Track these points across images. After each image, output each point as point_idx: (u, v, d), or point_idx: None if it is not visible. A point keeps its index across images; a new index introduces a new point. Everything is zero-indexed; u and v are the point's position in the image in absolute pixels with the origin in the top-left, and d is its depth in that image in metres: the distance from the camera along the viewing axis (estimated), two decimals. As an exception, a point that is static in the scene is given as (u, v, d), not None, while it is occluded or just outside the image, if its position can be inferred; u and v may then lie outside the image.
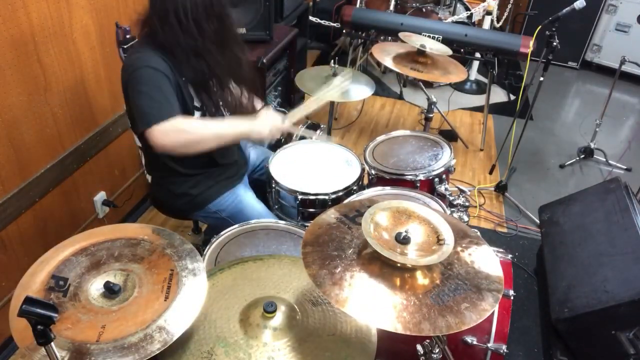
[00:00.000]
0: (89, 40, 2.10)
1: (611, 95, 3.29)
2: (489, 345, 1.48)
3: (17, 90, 1.79)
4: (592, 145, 3.48)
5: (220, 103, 1.72)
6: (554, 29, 2.61)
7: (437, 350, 1.23)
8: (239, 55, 1.71)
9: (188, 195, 1.81)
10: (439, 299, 1.05)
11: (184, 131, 1.55)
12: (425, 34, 3.10)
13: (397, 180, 2.06)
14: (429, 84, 4.25)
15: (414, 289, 1.07)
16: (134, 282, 1.18)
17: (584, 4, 2.56)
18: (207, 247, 1.63)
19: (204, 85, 1.66)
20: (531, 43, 3.13)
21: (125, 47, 2.29)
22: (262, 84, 2.68)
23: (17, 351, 2.00)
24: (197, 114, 1.69)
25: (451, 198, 1.97)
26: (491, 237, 2.77)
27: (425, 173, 2.06)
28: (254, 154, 2.11)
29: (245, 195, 1.89)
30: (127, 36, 2.30)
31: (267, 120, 1.71)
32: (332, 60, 2.51)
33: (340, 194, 1.87)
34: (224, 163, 1.84)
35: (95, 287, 1.16)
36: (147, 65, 1.54)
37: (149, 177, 1.86)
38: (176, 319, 1.08)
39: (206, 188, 1.82)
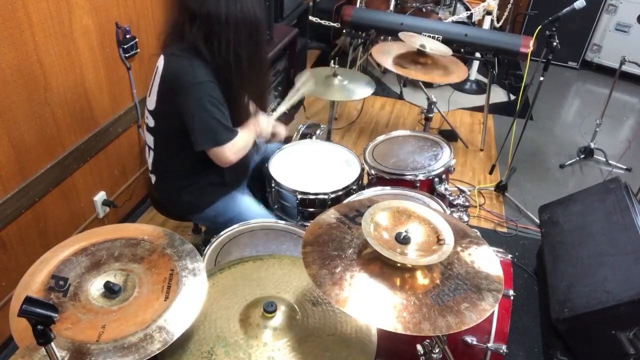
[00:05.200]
0: (89, 40, 2.10)
1: (611, 95, 3.28)
2: (488, 345, 1.48)
3: (17, 90, 1.79)
4: (592, 145, 3.48)
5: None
6: (554, 29, 2.61)
7: (437, 350, 1.23)
8: (265, 79, 1.85)
9: (187, 198, 1.82)
10: (439, 299, 1.05)
11: (244, 147, 1.71)
12: (425, 34, 3.10)
13: (397, 180, 2.06)
14: (429, 84, 4.25)
15: (414, 289, 1.07)
16: (134, 282, 1.18)
17: (584, 4, 2.56)
18: (207, 247, 1.63)
19: (236, 101, 1.70)
20: (531, 43, 3.13)
21: (125, 46, 2.30)
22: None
23: (17, 351, 2.00)
24: None
25: (451, 198, 1.97)
26: (491, 237, 2.77)
27: (425, 173, 2.06)
28: (256, 157, 2.11)
29: (243, 199, 1.89)
30: (127, 36, 2.31)
31: (265, 120, 1.84)
32: (332, 60, 2.51)
33: (340, 193, 1.87)
34: (233, 179, 1.88)
35: (95, 287, 1.16)
36: (208, 80, 1.57)
37: (152, 177, 1.87)
38: (176, 319, 1.08)
39: (204, 193, 1.83)
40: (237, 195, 1.89)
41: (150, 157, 1.83)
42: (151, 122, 1.75)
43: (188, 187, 1.80)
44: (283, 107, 1.99)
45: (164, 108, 1.67)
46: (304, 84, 2.10)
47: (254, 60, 1.65)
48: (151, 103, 1.72)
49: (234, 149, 1.65)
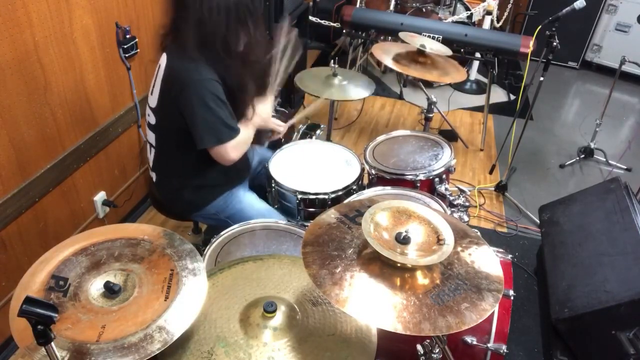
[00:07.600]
0: (89, 40, 2.10)
1: (611, 95, 3.29)
2: (489, 345, 1.48)
3: (17, 90, 1.78)
4: (592, 145, 3.48)
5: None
6: (554, 29, 2.61)
7: (437, 350, 1.23)
8: (267, 72, 1.86)
9: (187, 197, 1.82)
10: (439, 299, 1.05)
11: (246, 143, 1.72)
12: (425, 33, 3.10)
13: (397, 180, 2.05)
14: (429, 84, 4.25)
15: (414, 289, 1.07)
16: (134, 282, 1.18)
17: (584, 4, 2.56)
18: (207, 247, 1.63)
19: (238, 98, 1.69)
20: (531, 43, 3.13)
21: (125, 46, 2.30)
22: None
23: (17, 351, 2.00)
24: None
25: (451, 198, 1.97)
26: (491, 237, 2.77)
27: (425, 173, 2.06)
28: (255, 159, 2.11)
29: (245, 196, 1.89)
30: (127, 36, 2.31)
31: (264, 108, 1.85)
32: (332, 60, 2.51)
33: (340, 193, 1.87)
34: (235, 176, 1.88)
35: (95, 287, 1.16)
36: (212, 78, 1.57)
37: (153, 175, 1.87)
38: (176, 319, 1.08)
39: (205, 191, 1.83)
40: (239, 191, 1.89)
41: (151, 155, 1.83)
42: (153, 120, 1.75)
43: (189, 186, 1.80)
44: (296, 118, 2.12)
45: (166, 106, 1.67)
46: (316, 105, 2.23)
47: (257, 50, 1.66)
48: (153, 101, 1.71)
49: (236, 147, 1.66)
